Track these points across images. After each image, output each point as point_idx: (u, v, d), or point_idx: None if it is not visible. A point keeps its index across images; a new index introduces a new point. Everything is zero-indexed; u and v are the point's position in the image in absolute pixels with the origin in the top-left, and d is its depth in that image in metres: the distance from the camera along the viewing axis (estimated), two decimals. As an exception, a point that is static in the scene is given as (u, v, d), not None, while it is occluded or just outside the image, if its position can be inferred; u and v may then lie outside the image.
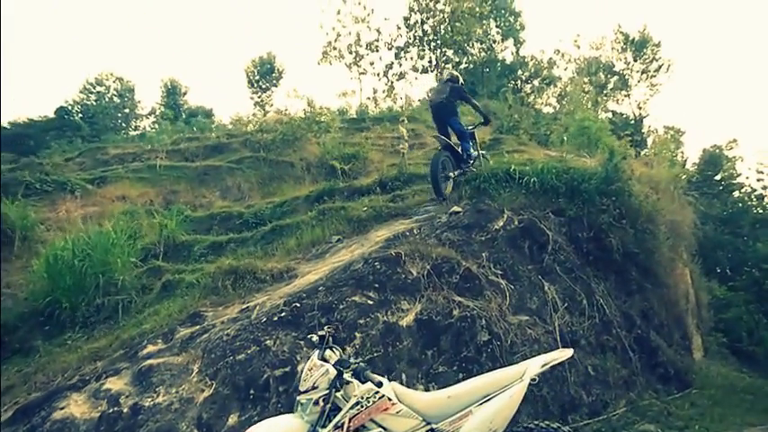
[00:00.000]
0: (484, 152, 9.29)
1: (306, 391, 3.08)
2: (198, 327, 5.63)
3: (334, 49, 22.64)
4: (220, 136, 19.41)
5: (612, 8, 59.93)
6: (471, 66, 26.63)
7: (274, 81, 33.04)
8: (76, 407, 4.75)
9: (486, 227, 6.74)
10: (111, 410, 4.59)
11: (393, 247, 6.01)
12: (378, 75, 22.73)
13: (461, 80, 9.07)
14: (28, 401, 4.98)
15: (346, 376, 3.07)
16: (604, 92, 28.89)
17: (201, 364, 4.85)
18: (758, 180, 19.13)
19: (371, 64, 22.58)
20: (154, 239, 9.80)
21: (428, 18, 21.28)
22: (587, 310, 6.60)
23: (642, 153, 18.92)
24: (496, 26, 29.21)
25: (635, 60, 29.41)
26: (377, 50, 22.36)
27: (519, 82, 27.73)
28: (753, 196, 19.07)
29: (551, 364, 3.53)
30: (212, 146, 17.81)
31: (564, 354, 3.61)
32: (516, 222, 6.95)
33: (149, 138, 21.61)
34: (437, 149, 8.69)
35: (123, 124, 34.70)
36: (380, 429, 3.07)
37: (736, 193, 19.70)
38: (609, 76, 29.54)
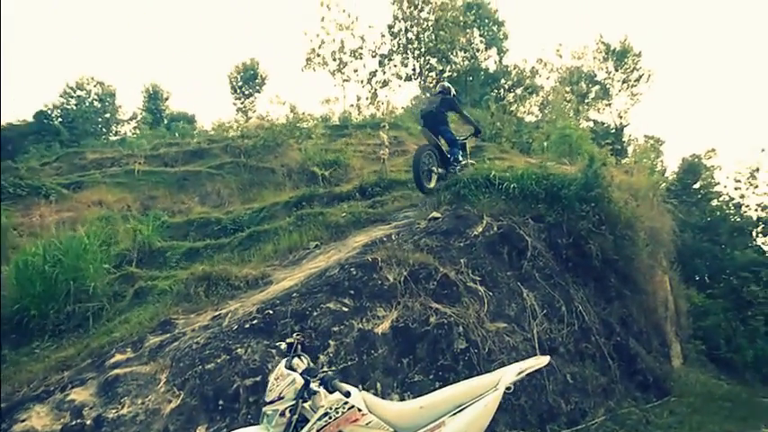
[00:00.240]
0: (472, 161, 9.36)
1: (272, 402, 2.96)
2: (168, 335, 5.48)
3: (318, 55, 22.53)
4: (201, 141, 19.20)
5: (594, 18, 60.78)
6: (455, 74, 26.70)
7: (257, 87, 32.89)
8: (38, 419, 4.58)
9: (464, 233, 6.66)
10: (73, 423, 4.43)
11: (370, 253, 5.91)
12: (361, 82, 22.67)
13: (453, 92, 9.23)
14: (-11, 413, 4.79)
15: (313, 386, 2.94)
16: (586, 101, 29.14)
17: (169, 374, 4.70)
18: (736, 189, 19.34)
19: (355, 71, 22.48)
20: (129, 245, 9.61)
21: (412, 26, 21.29)
22: (566, 317, 6.53)
23: (623, 161, 19.06)
24: (480, 35, 29.42)
25: (616, 70, 29.72)
26: (361, 58, 22.28)
27: (502, 90, 27.89)
28: (730, 205, 19.25)
29: (527, 372, 3.45)
30: (192, 151, 17.61)
31: (540, 361, 3.53)
32: (495, 228, 6.88)
33: (129, 143, 21.31)
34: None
35: (104, 129, 34.20)
36: None
37: (715, 202, 19.86)
38: (590, 85, 29.81)
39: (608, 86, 29.78)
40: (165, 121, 31.67)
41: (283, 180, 14.61)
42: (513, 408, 5.22)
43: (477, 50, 28.98)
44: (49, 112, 30.54)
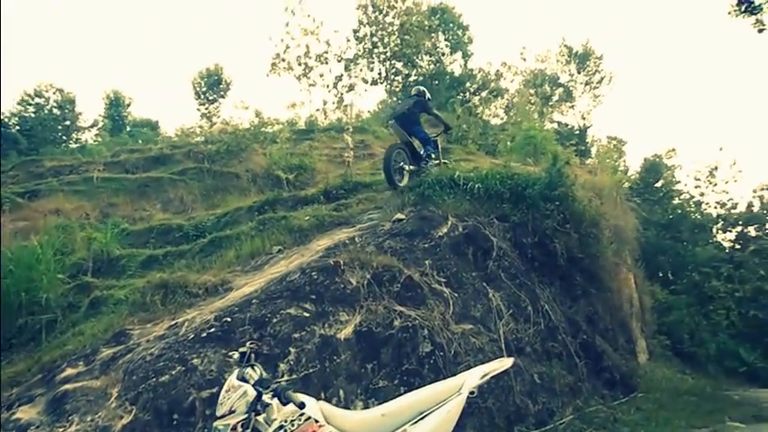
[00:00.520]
0: (446, 161, 9.54)
1: (223, 416, 2.78)
2: (122, 346, 5.23)
3: (283, 60, 22.31)
4: (163, 147, 18.75)
5: (557, 22, 61.80)
6: (420, 78, 26.71)
7: (222, 93, 32.25)
8: (-20, 441, 4.31)
9: (429, 234, 6.58)
10: (17, 443, 4.16)
11: (332, 257, 5.76)
12: (327, 86, 22.52)
13: (428, 95, 9.50)
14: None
15: (266, 398, 2.77)
16: (550, 103, 29.47)
17: (121, 388, 4.47)
18: (696, 187, 19.89)
19: (321, 76, 22.34)
20: (86, 254, 9.27)
21: (377, 31, 21.26)
22: (532, 317, 6.51)
23: (587, 162, 19.32)
24: (445, 39, 29.49)
25: (578, 72, 30.19)
26: (326, 62, 22.14)
27: (467, 94, 27.90)
28: (691, 202, 19.74)
29: (490, 375, 3.36)
30: (154, 157, 17.20)
31: (504, 363, 3.45)
32: (460, 229, 6.81)
33: (89, 150, 20.71)
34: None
35: (64, 137, 33.12)
36: None
37: (676, 200, 20.32)
38: (554, 87, 30.18)
39: (571, 89, 30.24)
40: (128, 128, 30.85)
41: (248, 185, 14.38)
42: (480, 411, 5.13)
43: (443, 54, 29.04)
44: (7, 120, 29.46)
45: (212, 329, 4.80)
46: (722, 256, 17.33)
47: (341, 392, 4.62)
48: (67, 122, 33.97)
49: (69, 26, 72.05)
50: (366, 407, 4.52)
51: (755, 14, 9.84)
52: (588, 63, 30.01)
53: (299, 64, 22.41)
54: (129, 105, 34.10)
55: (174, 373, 4.41)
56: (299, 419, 2.78)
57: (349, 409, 4.49)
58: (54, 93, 33.72)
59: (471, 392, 3.19)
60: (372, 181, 9.89)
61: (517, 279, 6.76)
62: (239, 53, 68.36)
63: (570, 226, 7.67)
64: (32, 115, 32.19)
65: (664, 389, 8.41)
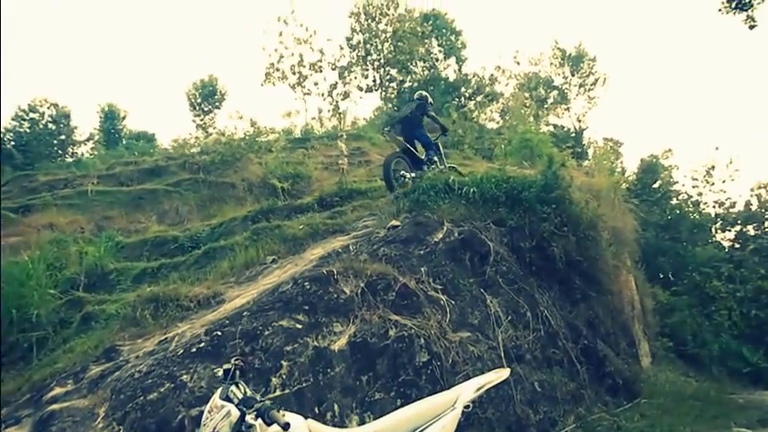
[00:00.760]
0: (453, 165, 9.56)
1: None
2: (111, 363, 5.10)
3: (278, 70, 22.29)
4: (158, 159, 18.70)
5: (549, 25, 61.96)
6: (415, 84, 26.71)
7: (217, 103, 32.21)
8: (-35, 466, 4.17)
9: (424, 240, 6.43)
10: (1, 467, 4.03)
11: (326, 266, 5.62)
12: (322, 95, 22.51)
13: (430, 99, 9.63)
14: None
15: (249, 418, 2.61)
16: (545, 106, 29.45)
17: (109, 407, 4.33)
18: (693, 187, 19.85)
19: (315, 84, 22.33)
20: (79, 269, 9.16)
21: (370, 38, 21.25)
22: (532, 323, 6.36)
23: (583, 164, 19.25)
24: (438, 45, 29.47)
25: (572, 75, 30.17)
26: (320, 71, 22.13)
27: (462, 98, 27.87)
28: (689, 202, 19.69)
29: (486, 387, 3.24)
30: (149, 169, 17.16)
31: (500, 374, 3.34)
32: (456, 234, 6.67)
33: (84, 164, 20.63)
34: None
35: (59, 151, 33.04)
36: None
37: (674, 200, 20.28)
38: (548, 90, 30.16)
39: (566, 91, 30.21)
40: (124, 141, 30.76)
41: (244, 195, 14.34)
42: (479, 421, 4.98)
43: (437, 60, 29.03)
44: (2, 135, 29.39)
45: (202, 344, 4.66)
46: (722, 256, 17.25)
47: (335, 406, 4.47)
48: (63, 137, 33.86)
49: (64, 41, 72.17)
50: (362, 420, 4.39)
51: (746, 11, 9.78)
52: (582, 65, 30.00)
53: (294, 73, 22.39)
54: (124, 118, 34.02)
55: (162, 390, 4.27)
56: None
57: (344, 423, 4.36)
58: (49, 107, 33.64)
59: (466, 407, 3.07)
60: (368, 188, 9.82)
61: (515, 284, 6.60)
62: (233, 64, 68.53)
63: (568, 229, 7.52)
64: (27, 130, 32.10)
65: (667, 393, 8.25)
